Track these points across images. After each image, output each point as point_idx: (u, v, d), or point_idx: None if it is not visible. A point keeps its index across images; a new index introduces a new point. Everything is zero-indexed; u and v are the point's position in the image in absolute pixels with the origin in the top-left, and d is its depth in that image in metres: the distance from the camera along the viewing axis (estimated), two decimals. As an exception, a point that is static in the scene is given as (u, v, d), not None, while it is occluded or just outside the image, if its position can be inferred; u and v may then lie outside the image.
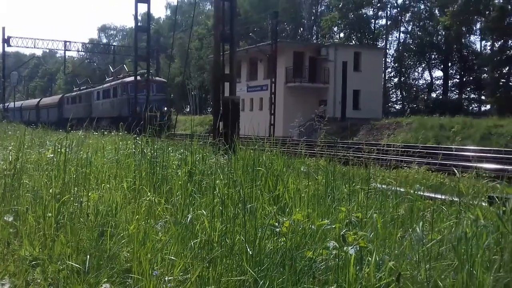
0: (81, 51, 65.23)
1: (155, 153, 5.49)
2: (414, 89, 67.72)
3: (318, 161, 7.94)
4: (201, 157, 5.48)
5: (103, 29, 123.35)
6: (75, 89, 51.84)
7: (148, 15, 20.50)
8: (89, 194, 4.03)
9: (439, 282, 2.34)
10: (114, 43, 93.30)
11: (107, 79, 44.28)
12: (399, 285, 2.28)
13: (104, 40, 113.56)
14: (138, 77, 27.31)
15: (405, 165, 11.36)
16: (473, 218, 2.72)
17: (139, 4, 19.63)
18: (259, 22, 67.46)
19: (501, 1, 49.97)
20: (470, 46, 60.12)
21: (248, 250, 2.84)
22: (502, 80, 49.67)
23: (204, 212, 3.26)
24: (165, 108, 30.94)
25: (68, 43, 52.31)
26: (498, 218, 2.66)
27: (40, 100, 60.80)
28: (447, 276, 2.48)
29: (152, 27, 73.10)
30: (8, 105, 61.22)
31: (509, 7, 48.75)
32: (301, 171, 6.00)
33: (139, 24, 23.90)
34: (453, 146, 21.79)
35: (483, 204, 3.82)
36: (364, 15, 69.07)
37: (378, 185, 5.61)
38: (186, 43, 40.99)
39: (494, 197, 3.66)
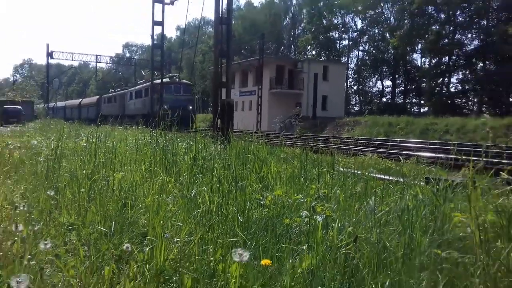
0: (109, 63, 64.34)
1: (167, 143, 5.45)
2: (369, 95, 67.79)
3: (294, 150, 7.92)
4: (203, 146, 5.44)
5: (126, 46, 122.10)
6: (111, 91, 48.34)
7: (162, 35, 20.40)
8: (114, 174, 3.99)
9: (387, 243, 2.33)
10: (135, 57, 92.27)
11: (138, 82, 40.58)
12: (356, 245, 2.28)
13: (128, 55, 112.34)
14: (167, 79, 27.23)
15: (361, 153, 11.38)
16: (413, 194, 2.73)
17: (155, 27, 19.56)
18: (250, 42, 67.34)
19: (437, 27, 50.16)
20: (413, 62, 60.20)
21: (239, 218, 2.82)
22: (437, 89, 49.97)
23: (205, 189, 3.24)
24: (190, 107, 28.48)
25: (99, 57, 51.72)
26: (433, 194, 2.66)
27: (81, 100, 58.16)
28: (393, 239, 2.48)
29: (165, 45, 72.45)
30: (54, 105, 60.34)
31: (443, 32, 48.96)
32: (281, 157, 5.99)
33: (155, 42, 23.65)
34: (398, 139, 21.87)
35: (422, 183, 3.83)
36: (331, 37, 68.89)
37: (341, 169, 5.61)
38: (192, 58, 40.18)
39: (430, 178, 3.68)
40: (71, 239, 3.08)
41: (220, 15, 13.80)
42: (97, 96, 52.35)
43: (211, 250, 2.47)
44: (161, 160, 4.78)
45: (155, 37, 27.81)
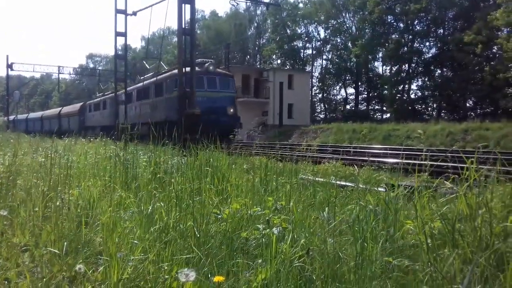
0: (72, 74, 62.92)
1: (127, 157, 5.36)
2: (334, 102, 68.81)
3: (261, 159, 7.93)
4: (165, 160, 5.37)
5: (90, 56, 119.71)
6: (98, 94, 38.20)
7: (125, 46, 20.08)
8: (70, 191, 3.88)
9: (340, 253, 2.37)
10: (99, 68, 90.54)
11: (146, 76, 27.03)
12: (309, 257, 2.30)
13: (91, 65, 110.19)
14: (197, 68, 17.44)
15: (325, 160, 11.54)
16: (363, 204, 2.78)
17: (118, 37, 19.30)
18: (215, 51, 67.24)
19: (397, 35, 51.68)
20: (375, 69, 61.57)
21: (196, 233, 2.80)
22: (398, 95, 51.32)
23: (162, 204, 3.20)
24: (232, 110, 19.56)
25: (61, 68, 50.41)
26: (384, 203, 2.72)
27: (61, 109, 47.61)
28: (346, 249, 2.52)
29: (130, 55, 71.49)
30: (15, 118, 57.07)
31: (403, 41, 50.47)
32: (244, 168, 5.99)
33: (119, 52, 23.31)
34: (359, 145, 22.29)
35: (381, 189, 3.90)
36: (296, 46, 69.74)
37: (304, 176, 5.66)
38: (157, 68, 36.04)
39: (386, 185, 3.77)
40: (24, 260, 2.98)
41: (183, 26, 13.79)
42: (80, 103, 41.59)
43: (166, 267, 2.44)
44: (121, 175, 4.70)
45: (119, 47, 27.39)
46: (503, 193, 2.33)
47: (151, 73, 26.37)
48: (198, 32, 75.25)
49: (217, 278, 2.02)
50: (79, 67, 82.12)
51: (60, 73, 51.28)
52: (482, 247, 2.18)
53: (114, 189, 4.00)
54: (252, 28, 78.91)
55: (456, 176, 2.44)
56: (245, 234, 2.82)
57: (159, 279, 2.37)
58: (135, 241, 2.78)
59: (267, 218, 2.71)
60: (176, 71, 17.01)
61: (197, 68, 17.29)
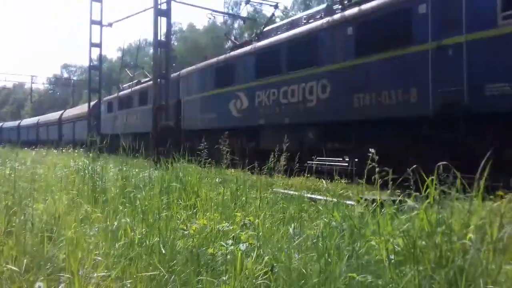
0: (46, 83, 61.85)
1: (97, 169, 5.27)
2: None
3: (234, 171, 7.90)
4: (135, 173, 5.31)
5: (65, 66, 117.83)
6: (124, 86, 26.56)
7: (100, 57, 19.99)
8: (34, 206, 3.79)
9: (303, 270, 2.37)
10: (74, 78, 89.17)
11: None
12: (273, 274, 2.30)
13: (66, 75, 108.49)
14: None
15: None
16: (326, 220, 2.81)
17: (93, 48, 19.20)
18: (193, 63, 67.24)
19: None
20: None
21: (162, 249, 2.76)
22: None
23: (128, 220, 3.15)
24: None
25: (34, 77, 49.60)
26: (349, 218, 2.75)
27: (62, 114, 38.12)
28: (312, 264, 2.53)
29: (106, 66, 70.72)
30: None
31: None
32: (216, 181, 5.96)
33: (94, 63, 23.06)
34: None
35: (353, 203, 3.92)
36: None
37: (276, 189, 5.66)
38: (133, 79, 33.87)
39: (349, 202, 3.81)
40: (-17, 278, 2.88)
41: (159, 38, 13.77)
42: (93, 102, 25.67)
43: (129, 285, 2.40)
44: (89, 188, 4.62)
45: (95, 58, 27.04)
46: (462, 210, 2.39)
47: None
48: (175, 43, 75.12)
49: (179, 297, 1.99)
50: (53, 77, 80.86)
51: (33, 83, 50.37)
52: (442, 264, 2.23)
53: (81, 203, 3.92)
54: (229, 42, 79.24)
55: (417, 194, 2.49)
56: (211, 250, 2.80)
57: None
58: (99, 258, 2.72)
59: (232, 234, 2.70)
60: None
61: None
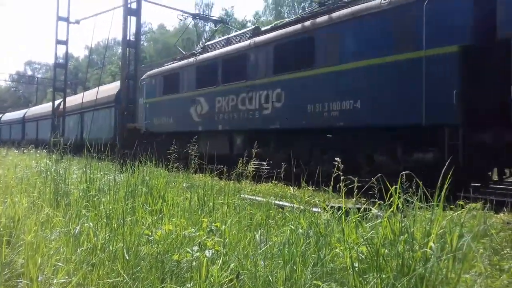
0: (8, 80, 59.74)
1: (60, 171, 5.13)
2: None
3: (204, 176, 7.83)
4: (99, 176, 5.19)
5: (29, 63, 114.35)
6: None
7: (66, 55, 19.49)
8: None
9: (269, 278, 2.39)
10: (38, 75, 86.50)
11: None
12: (239, 281, 2.31)
13: (29, 72, 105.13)
14: None
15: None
16: (293, 227, 2.84)
17: (59, 46, 18.71)
18: (162, 64, 66.56)
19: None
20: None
21: (126, 255, 2.72)
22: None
23: (91, 224, 3.08)
24: None
25: (-5, 73, 47.68)
26: (316, 225, 2.79)
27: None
28: (278, 272, 2.55)
29: (72, 64, 69.15)
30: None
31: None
32: (183, 186, 5.91)
33: (60, 61, 22.42)
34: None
35: (315, 210, 3.97)
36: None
37: (244, 195, 5.65)
38: (101, 78, 32.56)
39: (320, 207, 3.85)
40: None
41: (128, 38, 13.56)
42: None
43: (90, 292, 2.35)
44: (51, 191, 4.48)
45: (61, 55, 26.29)
46: (424, 219, 2.47)
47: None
48: (145, 44, 74.14)
49: (143, 304, 1.96)
50: (16, 74, 78.28)
51: (-6, 79, 48.43)
52: (404, 272, 2.29)
53: (42, 206, 3.81)
54: (200, 44, 78.86)
55: (381, 202, 2.55)
56: (177, 257, 2.77)
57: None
58: (59, 263, 2.65)
59: (198, 241, 2.68)
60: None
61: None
